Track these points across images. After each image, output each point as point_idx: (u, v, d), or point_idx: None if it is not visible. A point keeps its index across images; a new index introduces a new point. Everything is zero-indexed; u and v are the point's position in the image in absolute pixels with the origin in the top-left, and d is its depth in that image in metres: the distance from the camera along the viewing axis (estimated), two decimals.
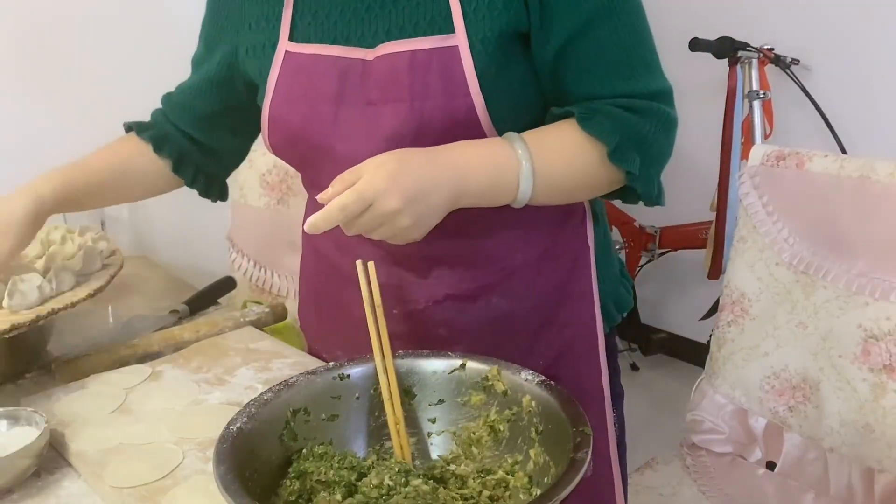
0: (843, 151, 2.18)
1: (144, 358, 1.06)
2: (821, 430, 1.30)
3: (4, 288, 0.98)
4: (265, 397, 0.77)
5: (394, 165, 0.75)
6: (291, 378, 0.80)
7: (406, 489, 0.71)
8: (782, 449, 1.36)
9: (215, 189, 1.15)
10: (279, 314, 1.27)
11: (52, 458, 0.85)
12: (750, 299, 1.39)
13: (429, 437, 0.82)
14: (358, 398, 0.81)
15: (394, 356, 0.82)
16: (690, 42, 2.29)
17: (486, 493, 0.74)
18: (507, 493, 0.74)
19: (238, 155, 1.13)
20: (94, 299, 1.05)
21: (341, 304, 1.00)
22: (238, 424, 0.72)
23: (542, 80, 0.87)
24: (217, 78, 1.02)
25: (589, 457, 0.64)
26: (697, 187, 2.46)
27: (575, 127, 0.84)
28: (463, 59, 0.82)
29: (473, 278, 0.94)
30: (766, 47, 2.28)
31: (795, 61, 2.31)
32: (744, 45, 2.26)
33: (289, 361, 1.05)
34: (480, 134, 0.84)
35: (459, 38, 0.82)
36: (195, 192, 1.14)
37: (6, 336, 0.93)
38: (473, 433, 0.80)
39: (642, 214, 2.79)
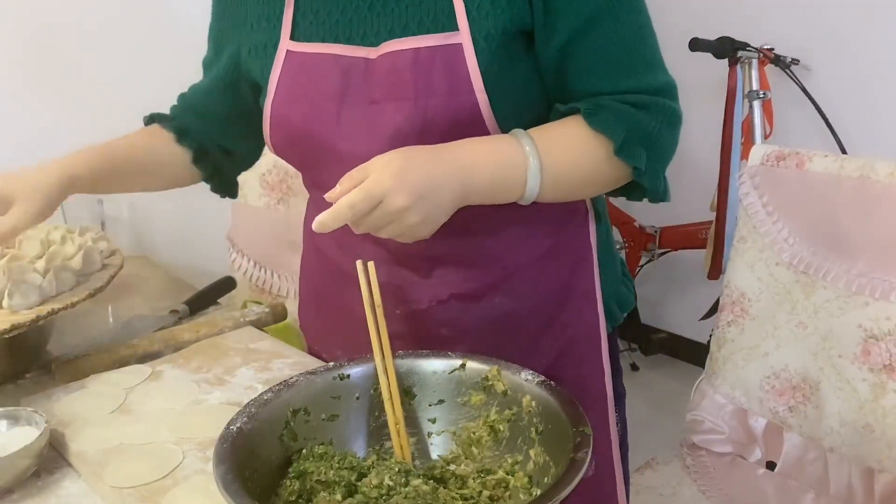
0: (843, 151, 2.18)
1: (144, 358, 1.06)
2: (821, 430, 1.30)
3: (6, 283, 0.98)
4: (265, 397, 0.77)
5: (401, 163, 0.75)
6: (291, 378, 0.80)
7: (406, 489, 0.71)
8: (782, 449, 1.36)
9: (227, 186, 1.15)
10: (279, 314, 1.27)
11: (52, 458, 0.85)
12: (750, 299, 1.39)
13: (429, 437, 0.82)
14: (358, 398, 0.81)
15: (394, 356, 0.82)
16: (690, 42, 2.29)
17: (486, 493, 0.74)
18: (507, 494, 0.74)
19: (251, 156, 1.14)
20: (94, 299, 1.05)
21: (342, 304, 1.00)
22: (238, 424, 0.72)
23: (546, 77, 0.87)
24: (226, 80, 1.02)
25: (589, 457, 0.64)
26: (697, 187, 2.46)
27: (581, 123, 0.84)
28: (466, 57, 0.82)
29: (476, 278, 0.94)
30: (766, 47, 2.28)
31: (795, 61, 2.31)
32: (744, 45, 2.26)
33: (289, 361, 1.05)
34: (484, 132, 0.84)
35: (463, 36, 0.82)
36: (195, 191, 1.14)
37: (6, 336, 0.93)
38: (473, 433, 0.80)
39: (642, 214, 2.80)
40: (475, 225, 0.89)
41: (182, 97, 1.11)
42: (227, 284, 1.38)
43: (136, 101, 1.76)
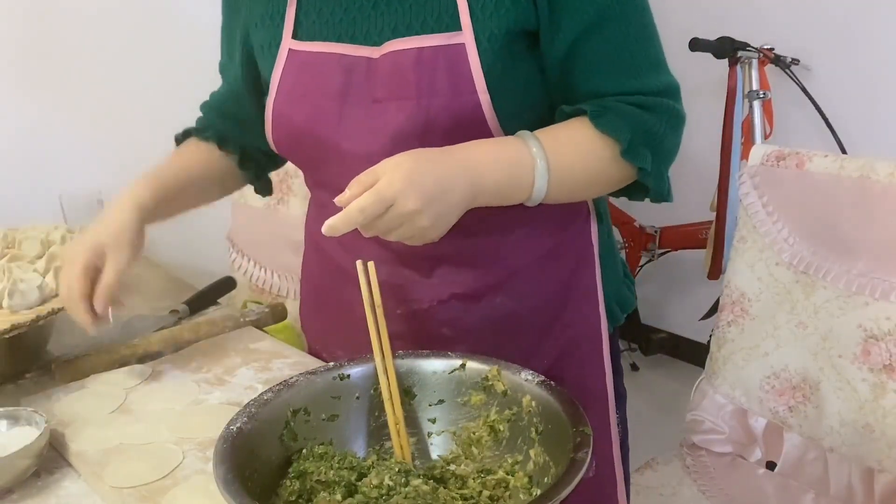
0: (843, 151, 2.18)
1: (144, 358, 1.06)
2: (821, 430, 1.30)
3: (6, 285, 0.98)
4: (265, 397, 0.77)
5: (411, 165, 0.75)
6: (291, 378, 0.80)
7: (406, 489, 0.71)
8: (782, 449, 1.36)
9: (268, 185, 1.16)
10: (279, 314, 1.27)
11: (52, 458, 0.85)
12: (750, 299, 1.39)
13: (429, 437, 0.82)
14: (358, 398, 0.81)
15: (394, 356, 0.82)
16: (690, 42, 2.29)
17: (486, 493, 0.74)
18: (507, 494, 0.74)
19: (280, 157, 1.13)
20: None
21: (342, 303, 1.00)
22: (238, 424, 0.72)
23: (550, 77, 0.87)
24: (243, 82, 1.02)
25: (589, 457, 0.64)
26: (697, 187, 2.46)
27: (587, 125, 0.84)
28: (470, 57, 0.82)
29: (477, 277, 0.94)
30: (766, 47, 2.28)
31: (795, 61, 2.31)
32: (744, 45, 2.26)
33: (289, 361, 1.05)
34: (486, 132, 0.84)
35: (466, 36, 0.82)
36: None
37: (6, 336, 0.93)
38: (473, 433, 0.80)
39: (642, 214, 2.79)
40: (477, 225, 0.90)
41: (206, 106, 1.11)
42: (227, 284, 1.38)
43: (135, 99, 1.77)
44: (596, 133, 0.84)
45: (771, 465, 1.40)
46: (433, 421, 0.82)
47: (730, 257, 1.44)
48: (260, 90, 0.99)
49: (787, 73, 2.27)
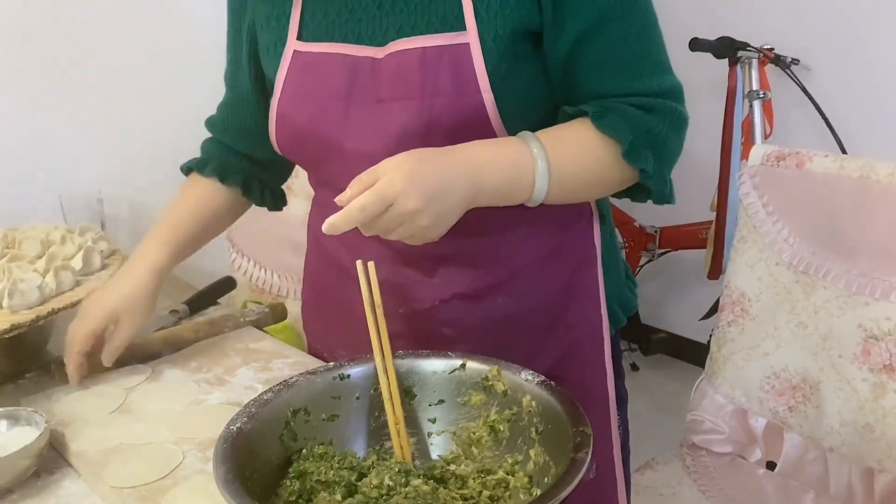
0: (844, 151, 2.18)
1: (144, 358, 1.06)
2: (821, 430, 1.30)
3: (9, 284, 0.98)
4: (265, 397, 0.77)
5: (412, 165, 0.75)
6: (291, 378, 0.80)
7: (406, 489, 0.71)
8: (782, 449, 1.36)
9: (278, 200, 1.16)
10: (279, 314, 1.27)
11: (52, 458, 0.85)
12: (750, 299, 1.39)
13: (429, 437, 0.82)
14: (358, 398, 0.81)
15: (394, 356, 0.82)
16: (690, 42, 2.29)
17: (486, 493, 0.74)
18: (507, 494, 0.74)
19: (290, 162, 1.13)
20: None
21: (344, 303, 1.00)
22: (238, 424, 0.72)
23: (553, 78, 0.87)
24: (249, 85, 1.02)
25: (589, 457, 0.64)
26: (697, 187, 2.46)
27: (588, 126, 0.84)
28: (474, 57, 0.82)
29: (479, 277, 0.94)
30: (766, 47, 2.28)
31: (795, 61, 2.31)
32: (744, 45, 2.26)
33: (289, 361, 1.06)
34: (490, 132, 0.84)
35: (471, 36, 0.82)
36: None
37: (6, 336, 0.94)
38: (473, 433, 0.80)
39: (642, 214, 2.80)
40: (479, 225, 0.89)
41: (210, 122, 1.11)
42: (227, 284, 1.38)
43: (135, 99, 1.77)
44: (597, 134, 0.84)
45: (771, 465, 1.40)
46: (433, 421, 0.82)
47: (730, 257, 1.44)
48: (266, 92, 0.99)
49: (787, 73, 2.27)
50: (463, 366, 0.81)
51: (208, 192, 1.08)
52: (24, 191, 1.59)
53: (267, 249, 1.73)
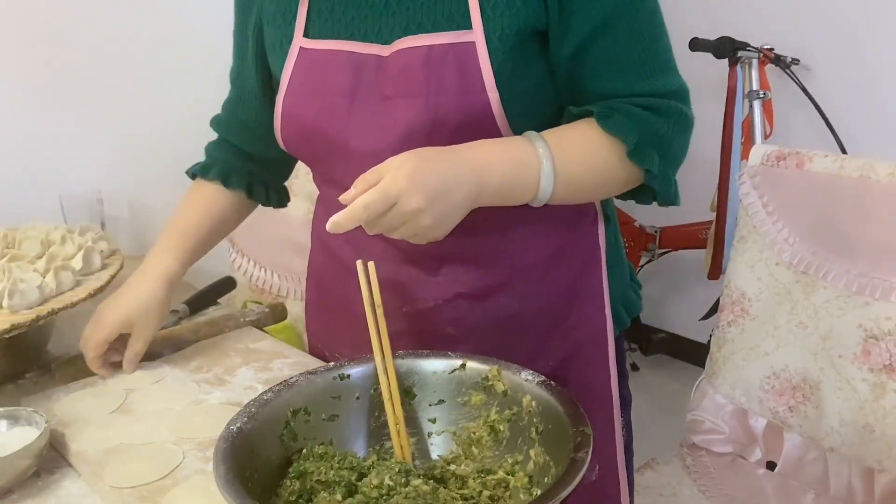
0: (844, 151, 2.18)
1: (144, 358, 1.06)
2: (821, 430, 1.30)
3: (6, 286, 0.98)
4: (265, 397, 0.77)
5: (416, 163, 0.75)
6: (291, 378, 0.80)
7: (406, 489, 0.71)
8: (782, 449, 1.36)
9: (282, 198, 1.17)
10: (279, 314, 1.27)
11: (52, 458, 0.85)
12: (750, 299, 1.39)
13: (429, 437, 0.82)
14: (358, 398, 0.81)
15: (394, 356, 0.82)
16: (690, 42, 2.29)
17: (486, 493, 0.74)
18: (508, 494, 0.74)
19: (293, 159, 1.14)
20: (94, 299, 1.05)
21: (347, 301, 1.00)
22: (238, 424, 0.72)
23: (559, 78, 0.87)
24: (255, 81, 1.02)
25: (589, 456, 0.64)
26: (697, 187, 2.45)
27: (594, 126, 0.84)
28: (479, 56, 0.82)
29: (483, 277, 0.94)
30: (766, 47, 2.28)
31: (795, 61, 2.31)
32: (744, 45, 2.26)
33: (289, 361, 1.06)
34: (495, 131, 0.84)
35: (476, 35, 0.82)
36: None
37: (6, 336, 0.93)
38: (473, 433, 0.80)
39: (642, 214, 2.79)
40: (484, 224, 0.90)
41: (215, 121, 1.12)
42: (227, 284, 1.38)
43: (135, 99, 1.77)
44: (603, 134, 0.84)
45: (771, 465, 1.40)
46: (433, 421, 0.82)
47: (730, 257, 1.44)
48: (271, 89, 1.00)
49: (787, 73, 2.27)
50: (463, 366, 0.81)
51: (213, 196, 1.10)
52: (24, 191, 1.59)
53: (267, 249, 1.73)
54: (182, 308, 1.25)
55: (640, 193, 0.90)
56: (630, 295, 1.06)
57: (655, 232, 2.77)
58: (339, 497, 0.71)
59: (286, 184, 1.18)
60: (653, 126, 0.84)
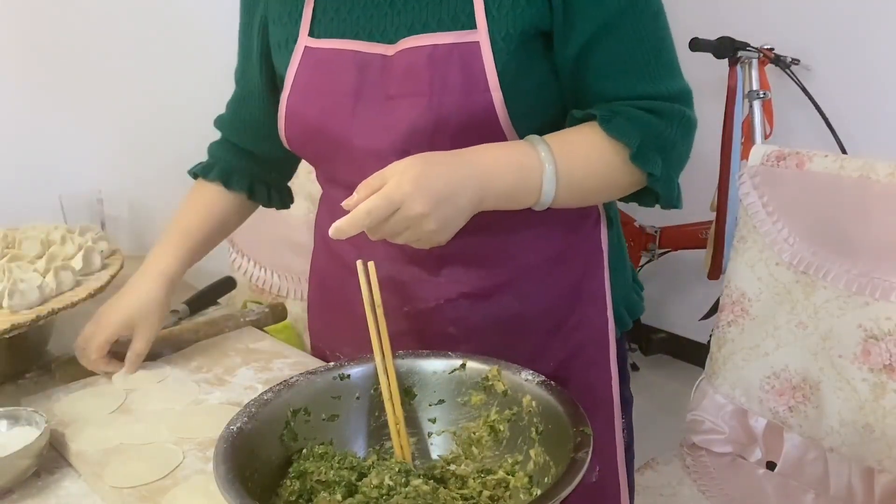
0: (844, 151, 2.18)
1: (145, 358, 1.06)
2: (821, 430, 1.30)
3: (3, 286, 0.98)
4: (265, 397, 0.77)
5: (420, 168, 0.75)
6: (291, 378, 0.80)
7: (406, 489, 0.71)
8: (782, 449, 1.36)
9: (285, 199, 1.17)
10: (279, 314, 1.27)
11: (52, 458, 0.85)
12: (750, 299, 1.39)
13: (429, 437, 0.82)
14: (358, 398, 0.81)
15: (394, 356, 0.82)
16: (690, 42, 2.29)
17: (486, 493, 0.74)
18: (508, 493, 0.74)
19: (296, 159, 1.14)
20: (94, 299, 1.05)
21: (348, 301, 1.00)
22: (238, 424, 0.72)
23: (563, 79, 0.87)
24: (259, 80, 1.02)
25: (589, 457, 0.64)
26: (697, 187, 2.44)
27: (596, 130, 0.84)
28: (484, 55, 0.82)
29: (486, 277, 0.94)
30: (766, 47, 2.28)
31: (795, 61, 2.31)
32: (744, 45, 2.26)
33: (289, 361, 1.06)
34: (498, 131, 0.84)
35: (481, 34, 0.82)
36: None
37: (6, 336, 0.93)
38: (474, 433, 0.80)
39: (642, 214, 2.79)
40: (487, 225, 0.90)
41: (220, 120, 1.12)
42: (227, 284, 1.38)
43: (136, 99, 1.77)
44: (605, 137, 0.84)
45: (771, 465, 1.40)
46: (433, 421, 0.82)
47: (730, 257, 1.44)
48: (276, 88, 1.00)
49: (787, 73, 2.27)
50: (463, 366, 0.81)
51: (215, 197, 1.10)
52: (24, 191, 1.59)
53: (267, 249, 1.73)
54: (182, 308, 1.25)
55: (643, 196, 0.90)
56: (632, 297, 1.06)
57: (655, 232, 2.77)
58: (339, 497, 0.71)
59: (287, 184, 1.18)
60: (655, 129, 0.84)
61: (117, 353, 1.02)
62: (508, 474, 0.75)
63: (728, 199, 2.28)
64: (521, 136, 0.85)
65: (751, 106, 2.28)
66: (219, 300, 1.35)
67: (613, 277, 1.00)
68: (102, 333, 0.99)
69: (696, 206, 2.47)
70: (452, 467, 0.78)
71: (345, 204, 0.75)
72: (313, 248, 1.12)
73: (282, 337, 1.24)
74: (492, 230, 0.92)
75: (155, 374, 1.02)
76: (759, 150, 1.39)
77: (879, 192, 1.21)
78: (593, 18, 0.82)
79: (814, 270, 1.30)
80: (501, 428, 0.78)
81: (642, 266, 2.87)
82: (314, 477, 0.73)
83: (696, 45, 2.29)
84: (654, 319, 3.06)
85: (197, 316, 1.27)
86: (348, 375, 0.81)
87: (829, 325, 1.28)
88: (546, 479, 0.71)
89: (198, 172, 1.11)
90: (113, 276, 1.11)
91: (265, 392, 0.77)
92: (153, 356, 1.07)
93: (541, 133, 0.85)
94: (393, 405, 0.79)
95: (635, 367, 2.93)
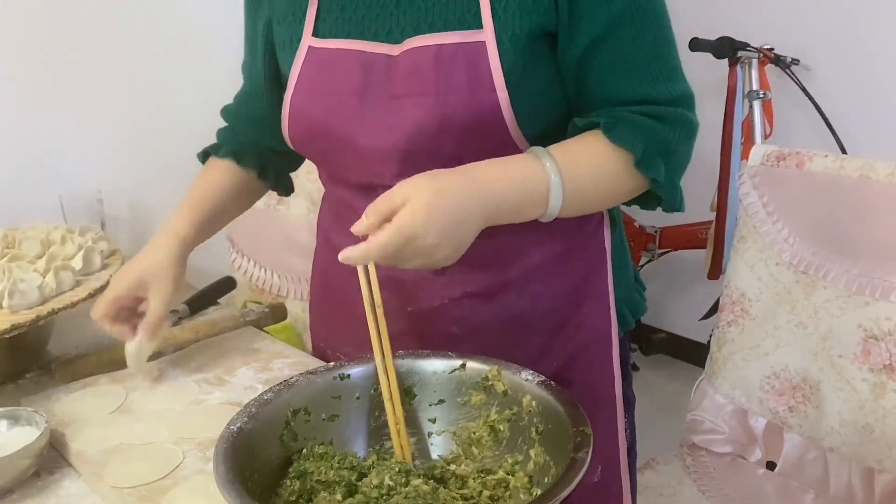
0: (843, 151, 2.18)
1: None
2: (821, 430, 1.30)
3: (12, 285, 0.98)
4: (265, 397, 0.77)
5: (431, 197, 0.75)
6: (291, 378, 0.80)
7: (406, 489, 0.71)
8: (782, 449, 1.36)
9: (289, 187, 1.16)
10: (279, 314, 1.27)
11: (52, 458, 0.85)
12: (750, 299, 1.39)
13: (429, 437, 0.82)
14: (358, 398, 0.81)
15: (394, 356, 0.82)
16: (690, 42, 2.29)
17: (486, 493, 0.74)
18: (508, 493, 0.74)
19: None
20: (94, 299, 1.04)
21: (351, 300, 1.00)
22: (238, 424, 0.72)
23: (566, 81, 0.87)
24: (264, 77, 1.02)
25: (589, 457, 0.64)
26: (697, 187, 2.44)
27: (600, 137, 0.84)
28: (490, 55, 0.82)
29: (489, 277, 0.94)
30: (766, 47, 2.28)
31: (795, 61, 2.31)
32: (744, 45, 2.26)
33: (289, 361, 1.06)
34: (504, 131, 0.84)
35: (487, 34, 0.82)
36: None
37: (6, 336, 0.93)
38: (474, 433, 0.80)
39: (642, 214, 2.79)
40: (491, 227, 0.90)
41: (226, 111, 1.12)
42: (227, 284, 1.38)
43: (136, 99, 1.77)
44: (609, 145, 0.84)
45: (771, 465, 1.40)
46: (433, 421, 0.82)
47: (730, 257, 1.44)
48: (280, 85, 1.00)
49: (787, 73, 2.27)
50: (463, 366, 0.81)
51: (226, 172, 1.08)
52: (24, 191, 1.59)
53: (267, 249, 1.73)
54: (182, 308, 1.25)
55: (646, 200, 0.90)
56: (634, 296, 1.06)
57: (655, 232, 2.77)
58: (339, 497, 0.71)
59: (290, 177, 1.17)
60: (658, 135, 0.84)
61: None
62: (508, 474, 0.75)
63: (728, 199, 2.28)
64: (527, 136, 0.86)
65: (751, 106, 2.28)
66: (219, 300, 1.35)
67: (616, 277, 1.00)
68: (111, 291, 0.96)
69: (696, 206, 2.45)
70: (452, 467, 0.78)
71: (354, 230, 0.75)
72: (315, 248, 1.12)
73: (282, 337, 1.24)
74: (496, 231, 0.92)
75: (155, 373, 1.02)
76: (759, 150, 1.39)
77: (879, 192, 1.21)
78: (598, 20, 0.82)
79: (814, 270, 1.30)
80: (501, 428, 0.78)
81: (642, 266, 2.87)
82: (314, 477, 0.73)
83: (696, 45, 2.29)
84: (654, 319, 3.06)
85: (197, 316, 1.27)
86: (348, 375, 0.81)
87: (829, 325, 1.28)
88: (546, 479, 0.71)
89: (209, 151, 1.10)
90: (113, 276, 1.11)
91: (265, 392, 0.77)
92: (153, 356, 1.07)
93: (546, 133, 0.86)
94: (393, 405, 0.79)
95: (635, 367, 2.93)
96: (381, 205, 0.75)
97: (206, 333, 1.14)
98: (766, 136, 2.29)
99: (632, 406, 1.07)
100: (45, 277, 1.03)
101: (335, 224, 1.03)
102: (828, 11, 2.36)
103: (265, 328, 1.22)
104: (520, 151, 0.86)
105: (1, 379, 1.03)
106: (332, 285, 1.07)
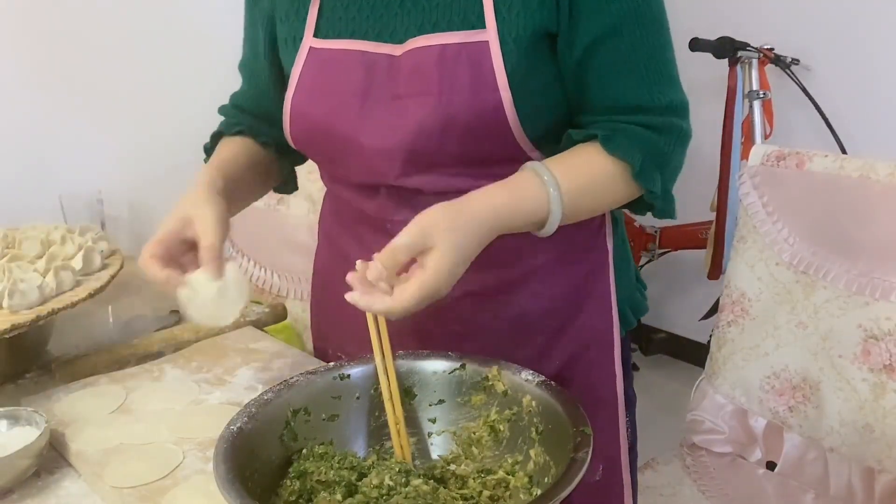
0: (844, 151, 2.18)
1: (144, 358, 1.06)
2: (821, 430, 1.30)
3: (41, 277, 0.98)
4: (265, 397, 0.77)
5: (456, 257, 0.75)
6: (291, 378, 0.80)
7: (406, 489, 0.71)
8: (782, 449, 1.36)
9: (294, 180, 1.14)
10: (279, 314, 1.27)
11: (52, 458, 0.85)
12: (750, 299, 1.39)
13: (429, 437, 0.82)
14: (358, 398, 0.81)
15: (394, 356, 0.82)
16: (690, 42, 2.29)
17: (486, 493, 0.74)
18: (508, 493, 0.74)
19: None
20: (94, 299, 1.04)
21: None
22: (238, 424, 0.72)
23: (566, 83, 0.88)
24: (267, 75, 1.01)
25: (589, 456, 0.64)
26: (697, 187, 2.45)
27: (597, 149, 0.85)
28: (493, 55, 0.82)
29: (492, 276, 0.94)
30: (766, 47, 2.28)
31: (795, 61, 2.31)
32: (744, 45, 2.26)
33: (289, 361, 1.05)
34: (506, 131, 0.84)
35: (490, 34, 0.82)
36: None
37: (6, 336, 0.93)
38: (474, 433, 0.80)
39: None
40: None
41: (225, 108, 1.09)
42: None
43: (136, 99, 1.77)
44: (606, 156, 0.85)
45: (771, 465, 1.40)
46: (433, 421, 0.82)
47: (730, 257, 1.44)
48: (283, 83, 0.99)
49: (787, 73, 2.27)
50: (463, 366, 0.81)
51: (243, 146, 1.02)
52: (24, 191, 1.59)
53: (267, 249, 1.73)
54: None
55: (637, 206, 0.91)
56: (636, 296, 1.06)
57: (655, 232, 2.77)
58: (339, 497, 0.71)
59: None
60: (655, 145, 0.85)
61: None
62: (508, 474, 0.75)
63: (728, 199, 2.28)
64: (529, 136, 0.86)
65: (751, 106, 2.28)
66: None
67: (618, 277, 1.01)
68: (157, 235, 0.86)
69: (696, 206, 2.47)
70: (452, 467, 0.78)
71: (369, 276, 0.74)
72: (317, 248, 1.12)
73: (282, 337, 1.24)
74: None
75: (155, 374, 1.02)
76: (759, 150, 1.39)
77: (879, 192, 1.21)
78: (597, 22, 0.83)
79: (814, 270, 1.30)
80: (501, 428, 0.78)
81: (642, 266, 2.87)
82: (314, 477, 0.73)
83: (696, 45, 2.29)
84: (654, 319, 3.06)
85: None
86: (348, 375, 0.81)
87: (829, 325, 1.28)
88: (546, 479, 0.71)
89: (223, 131, 1.05)
90: (113, 276, 1.11)
91: (265, 392, 0.77)
92: (153, 356, 1.07)
93: (548, 132, 0.86)
94: (393, 405, 0.79)
95: (635, 367, 2.93)
96: (399, 254, 0.75)
97: (206, 333, 1.14)
98: (766, 136, 2.29)
99: (633, 405, 1.07)
100: (45, 277, 1.03)
101: (336, 224, 1.03)
102: (828, 11, 2.36)
103: (265, 328, 1.22)
104: (522, 151, 0.87)
105: (1, 379, 1.03)
106: (333, 285, 1.07)
